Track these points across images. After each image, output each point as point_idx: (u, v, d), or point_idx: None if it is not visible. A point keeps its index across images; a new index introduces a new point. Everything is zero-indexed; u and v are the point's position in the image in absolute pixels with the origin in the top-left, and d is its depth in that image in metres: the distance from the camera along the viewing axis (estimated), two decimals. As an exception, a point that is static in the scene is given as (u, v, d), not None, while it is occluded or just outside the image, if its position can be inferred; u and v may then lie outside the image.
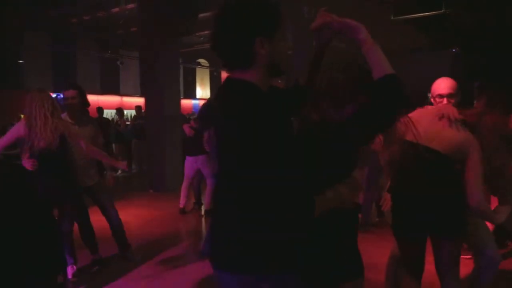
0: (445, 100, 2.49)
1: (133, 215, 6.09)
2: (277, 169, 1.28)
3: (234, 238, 1.36)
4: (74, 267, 3.76)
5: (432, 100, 2.61)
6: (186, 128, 5.86)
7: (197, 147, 5.73)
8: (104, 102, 13.48)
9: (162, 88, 7.98)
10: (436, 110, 2.40)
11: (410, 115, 2.32)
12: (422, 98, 3.75)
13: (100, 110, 10.77)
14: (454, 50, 13.80)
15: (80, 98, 3.85)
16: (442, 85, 2.54)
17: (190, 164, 5.99)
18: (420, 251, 2.47)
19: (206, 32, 13.26)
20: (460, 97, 2.57)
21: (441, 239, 2.38)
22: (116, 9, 11.55)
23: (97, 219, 4.12)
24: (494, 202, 2.96)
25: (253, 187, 1.32)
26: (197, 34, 12.55)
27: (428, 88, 2.69)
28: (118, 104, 13.37)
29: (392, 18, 10.36)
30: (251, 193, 1.32)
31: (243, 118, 1.27)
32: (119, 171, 10.46)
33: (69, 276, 3.65)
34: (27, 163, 3.26)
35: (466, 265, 3.02)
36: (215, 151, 1.45)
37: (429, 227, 2.36)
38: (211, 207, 5.79)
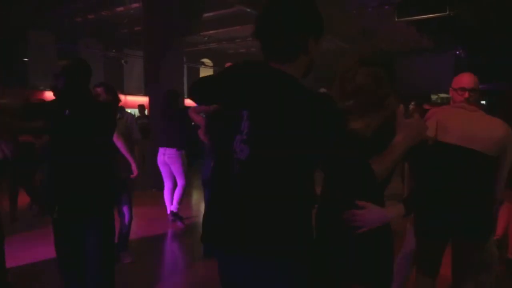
0: (466, 94, 2.52)
1: (136, 214, 6.09)
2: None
3: (260, 225, 1.37)
4: None
5: (452, 93, 2.62)
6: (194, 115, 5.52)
7: (167, 138, 5.45)
8: (108, 101, 13.44)
9: (166, 88, 7.99)
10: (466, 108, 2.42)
11: (435, 117, 2.33)
12: (426, 99, 3.78)
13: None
14: (458, 52, 13.77)
15: (107, 95, 3.96)
16: (467, 79, 2.58)
17: (160, 156, 5.52)
18: (440, 252, 2.45)
19: (210, 31, 13.27)
20: (478, 95, 2.60)
21: (464, 242, 2.36)
22: (121, 8, 11.57)
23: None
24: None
25: (297, 173, 1.37)
26: (201, 33, 12.56)
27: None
28: (121, 103, 13.39)
29: (396, 19, 10.34)
30: (293, 178, 1.37)
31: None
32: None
33: None
34: None
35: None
36: (246, 135, 1.38)
37: (454, 229, 2.34)
38: (177, 210, 5.64)
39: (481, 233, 2.35)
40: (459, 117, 2.41)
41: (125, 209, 4.17)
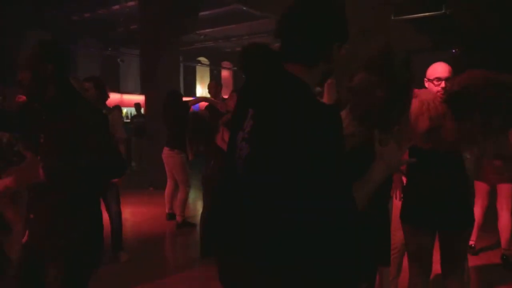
0: (443, 84, 2.52)
1: (133, 213, 6.11)
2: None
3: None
4: None
5: (427, 83, 2.62)
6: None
7: (167, 137, 5.61)
8: (104, 100, 13.40)
9: (162, 86, 7.99)
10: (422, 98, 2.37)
11: (423, 107, 2.32)
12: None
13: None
14: (454, 51, 13.80)
15: (96, 90, 3.86)
16: (440, 68, 2.59)
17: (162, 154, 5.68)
18: (430, 248, 2.45)
19: (206, 30, 13.24)
20: None
21: (450, 234, 2.41)
22: (117, 7, 11.54)
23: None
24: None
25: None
26: (197, 32, 12.53)
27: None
28: (118, 101, 13.36)
29: (392, 18, 10.36)
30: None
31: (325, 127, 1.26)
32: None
33: None
34: None
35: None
36: (248, 134, 1.36)
37: (439, 221, 2.38)
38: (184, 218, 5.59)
39: (465, 223, 2.44)
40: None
41: (112, 205, 4.14)
